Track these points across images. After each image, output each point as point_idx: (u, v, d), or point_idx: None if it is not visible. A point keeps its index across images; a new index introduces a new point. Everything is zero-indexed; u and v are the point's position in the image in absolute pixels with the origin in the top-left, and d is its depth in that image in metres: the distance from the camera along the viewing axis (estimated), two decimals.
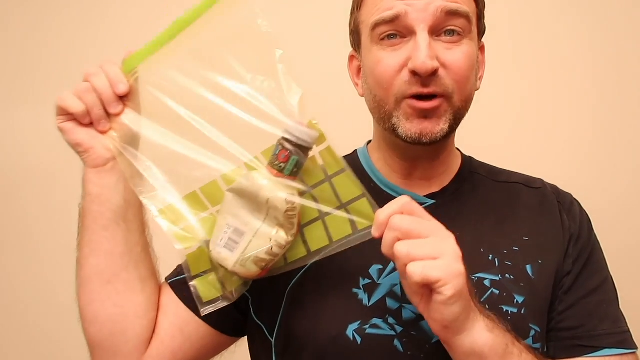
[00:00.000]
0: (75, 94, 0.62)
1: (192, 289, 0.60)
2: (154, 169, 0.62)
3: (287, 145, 0.55)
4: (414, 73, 0.63)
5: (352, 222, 0.57)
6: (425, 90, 0.64)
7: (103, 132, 0.63)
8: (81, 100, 0.62)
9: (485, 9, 0.72)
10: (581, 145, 1.24)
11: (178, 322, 0.68)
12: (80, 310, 0.66)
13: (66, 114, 0.62)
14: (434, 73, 0.63)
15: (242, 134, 0.60)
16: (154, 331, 0.68)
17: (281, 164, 0.56)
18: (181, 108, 0.61)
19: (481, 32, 0.72)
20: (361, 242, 0.58)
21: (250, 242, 0.56)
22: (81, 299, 0.65)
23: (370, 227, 0.56)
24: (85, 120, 0.63)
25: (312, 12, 1.20)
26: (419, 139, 0.65)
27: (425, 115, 0.65)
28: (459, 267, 0.54)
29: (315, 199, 0.58)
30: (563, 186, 0.79)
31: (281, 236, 0.56)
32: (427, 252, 0.53)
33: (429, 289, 0.54)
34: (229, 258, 0.56)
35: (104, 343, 0.65)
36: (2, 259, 1.27)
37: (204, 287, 0.59)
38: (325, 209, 0.57)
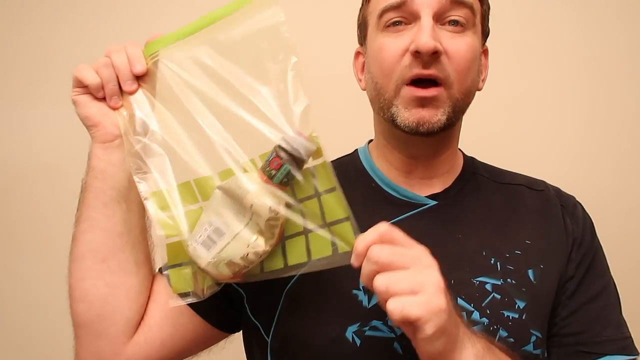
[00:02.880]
0: (94, 67, 0.63)
1: (165, 278, 0.60)
2: (154, 152, 0.62)
3: (281, 154, 0.54)
4: (415, 54, 0.64)
5: (334, 245, 0.55)
6: (426, 72, 0.64)
7: (114, 108, 0.64)
8: (98, 73, 0.63)
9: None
10: (581, 146, 1.23)
11: (170, 312, 0.67)
12: (70, 287, 0.65)
13: (81, 86, 0.63)
14: (435, 56, 0.64)
15: (244, 134, 0.59)
16: (142, 318, 0.67)
17: (272, 171, 0.55)
18: (191, 98, 0.61)
19: (485, 33, 0.73)
20: (339, 265, 0.56)
21: (227, 244, 0.55)
22: (72, 275, 0.65)
23: (350, 252, 0.54)
24: (99, 94, 0.63)
25: (316, 11, 1.19)
26: (417, 128, 0.65)
27: (423, 104, 0.65)
28: (440, 302, 0.51)
29: (302, 213, 0.56)
30: (563, 187, 0.79)
31: (259, 244, 0.55)
32: (407, 286, 0.51)
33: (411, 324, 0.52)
34: (203, 256, 0.55)
35: (90, 323, 0.64)
36: (5, 257, 1.25)
37: (177, 279, 0.59)
38: (308, 225, 0.56)
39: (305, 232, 0.57)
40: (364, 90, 0.74)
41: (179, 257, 0.59)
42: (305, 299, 0.66)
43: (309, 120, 0.56)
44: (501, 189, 0.76)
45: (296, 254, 0.57)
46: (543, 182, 0.78)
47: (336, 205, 0.56)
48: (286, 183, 0.55)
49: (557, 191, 0.77)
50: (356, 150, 0.80)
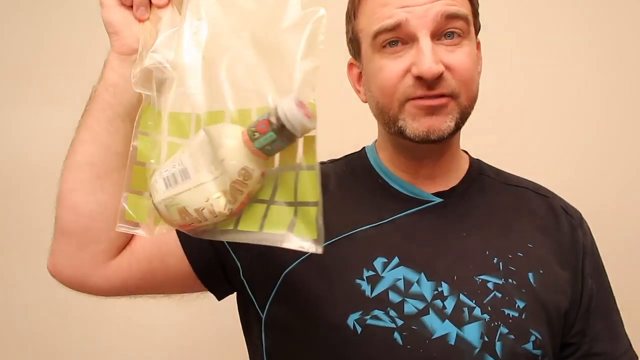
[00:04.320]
0: None
1: (122, 199, 0.56)
2: (166, 75, 0.56)
3: (272, 120, 0.47)
4: (418, 78, 0.64)
5: (292, 225, 0.50)
6: (431, 93, 0.65)
7: (139, 20, 0.59)
8: None
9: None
10: (581, 148, 1.22)
11: (162, 248, 0.67)
12: (61, 192, 0.63)
13: None
14: (439, 77, 0.64)
15: (250, 80, 0.53)
16: (130, 243, 0.67)
17: (256, 134, 0.48)
18: (215, 28, 0.55)
19: (477, 29, 0.72)
20: (293, 248, 0.50)
21: (187, 190, 0.50)
22: (65, 183, 0.63)
23: (306, 238, 0.49)
24: (127, 2, 0.59)
25: None
26: (427, 137, 0.66)
27: (431, 112, 0.66)
28: None
29: (275, 183, 0.51)
30: (565, 191, 0.81)
31: (219, 204, 0.50)
32: None
33: None
34: (160, 192, 0.51)
35: (75, 234, 0.63)
36: (3, 259, 1.25)
37: (134, 206, 0.55)
38: (276, 196, 0.50)
39: (269, 202, 0.51)
40: (365, 102, 0.74)
41: (143, 184, 0.55)
42: (307, 284, 0.66)
43: (313, 84, 0.49)
44: (507, 190, 0.77)
45: (249, 221, 0.51)
46: (549, 190, 0.80)
47: (310, 185, 0.50)
48: (268, 152, 0.49)
49: (564, 203, 0.79)
50: (364, 148, 0.80)
